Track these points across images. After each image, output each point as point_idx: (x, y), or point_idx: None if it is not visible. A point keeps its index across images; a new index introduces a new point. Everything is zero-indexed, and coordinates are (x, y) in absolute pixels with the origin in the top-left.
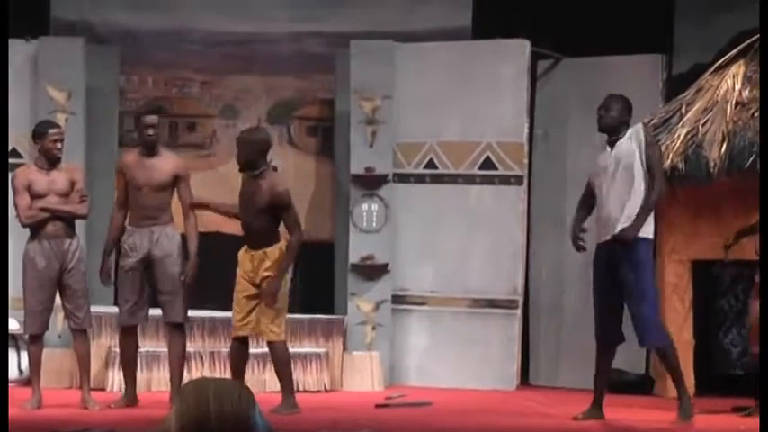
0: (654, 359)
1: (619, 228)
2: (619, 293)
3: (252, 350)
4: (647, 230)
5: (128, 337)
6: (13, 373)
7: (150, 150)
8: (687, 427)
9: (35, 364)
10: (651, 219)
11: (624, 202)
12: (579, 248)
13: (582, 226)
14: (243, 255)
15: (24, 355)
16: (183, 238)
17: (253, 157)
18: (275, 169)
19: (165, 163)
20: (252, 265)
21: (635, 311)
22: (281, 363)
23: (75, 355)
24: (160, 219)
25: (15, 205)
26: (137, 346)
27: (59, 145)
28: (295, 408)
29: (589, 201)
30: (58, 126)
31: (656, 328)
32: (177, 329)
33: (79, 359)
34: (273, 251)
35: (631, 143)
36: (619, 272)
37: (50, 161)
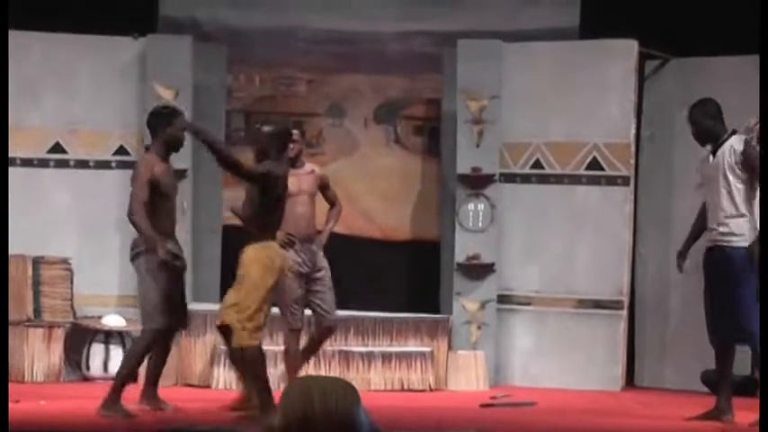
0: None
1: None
2: (721, 294)
3: (357, 348)
4: (743, 238)
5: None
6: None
7: None
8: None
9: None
10: (747, 226)
11: (723, 209)
12: (679, 267)
13: (688, 250)
14: (281, 253)
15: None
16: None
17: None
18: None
19: None
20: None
21: (727, 314)
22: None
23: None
24: None
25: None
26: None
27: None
28: None
29: (701, 221)
30: None
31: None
32: None
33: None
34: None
35: (730, 150)
36: (717, 277)
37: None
